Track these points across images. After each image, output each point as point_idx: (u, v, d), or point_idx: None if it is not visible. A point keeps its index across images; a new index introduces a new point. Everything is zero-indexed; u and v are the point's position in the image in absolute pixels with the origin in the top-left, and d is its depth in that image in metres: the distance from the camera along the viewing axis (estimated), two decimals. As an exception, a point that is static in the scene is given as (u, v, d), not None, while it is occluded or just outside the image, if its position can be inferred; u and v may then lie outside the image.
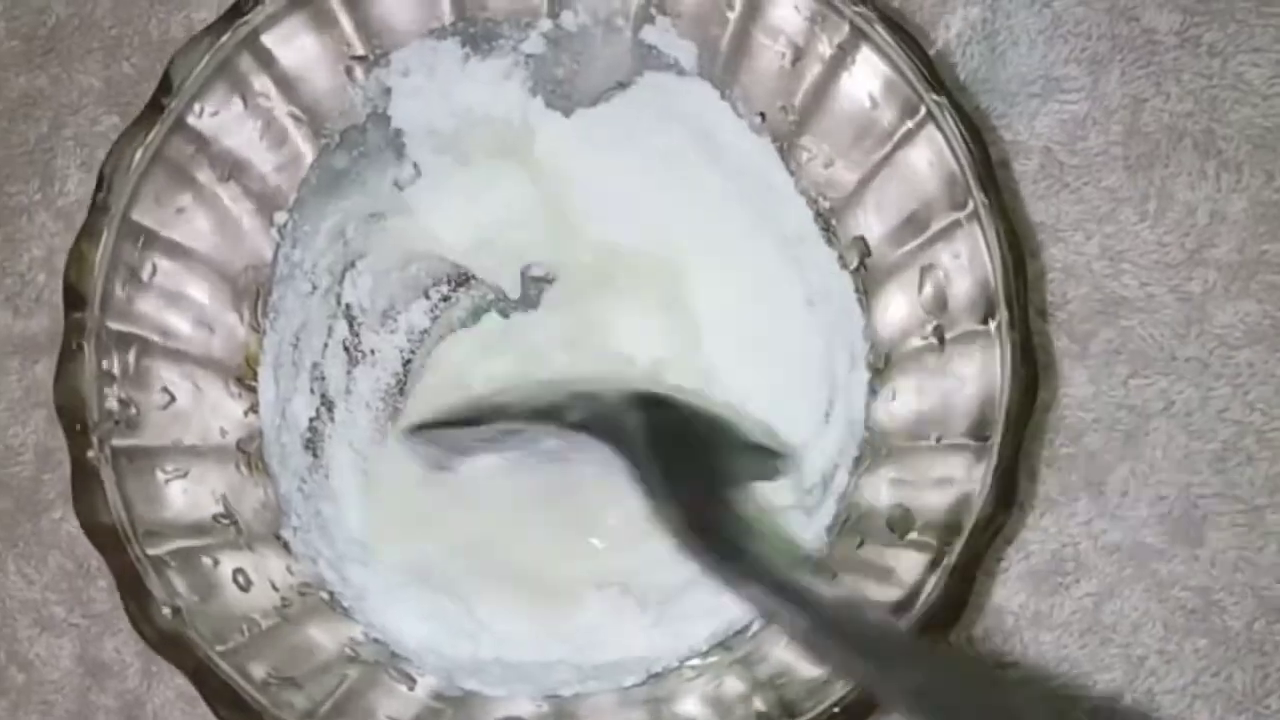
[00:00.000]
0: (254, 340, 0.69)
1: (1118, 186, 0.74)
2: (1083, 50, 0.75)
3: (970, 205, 0.62)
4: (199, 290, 0.67)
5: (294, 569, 0.67)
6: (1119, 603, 0.71)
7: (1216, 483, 0.72)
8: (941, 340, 0.64)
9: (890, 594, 0.62)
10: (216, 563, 0.64)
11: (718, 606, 0.67)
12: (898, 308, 0.67)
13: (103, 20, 0.79)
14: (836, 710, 0.59)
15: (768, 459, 0.69)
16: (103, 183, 0.63)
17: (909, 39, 0.63)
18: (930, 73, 0.63)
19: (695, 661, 0.67)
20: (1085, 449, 0.72)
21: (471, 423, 0.70)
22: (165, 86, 0.64)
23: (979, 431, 0.61)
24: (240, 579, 0.64)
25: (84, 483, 0.61)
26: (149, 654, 0.69)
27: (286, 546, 0.68)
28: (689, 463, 0.64)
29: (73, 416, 0.61)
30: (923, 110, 0.63)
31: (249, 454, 0.68)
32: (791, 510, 0.69)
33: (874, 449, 0.68)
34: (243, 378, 0.68)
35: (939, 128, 0.63)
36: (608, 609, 0.69)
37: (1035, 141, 0.75)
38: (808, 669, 0.62)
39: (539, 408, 0.67)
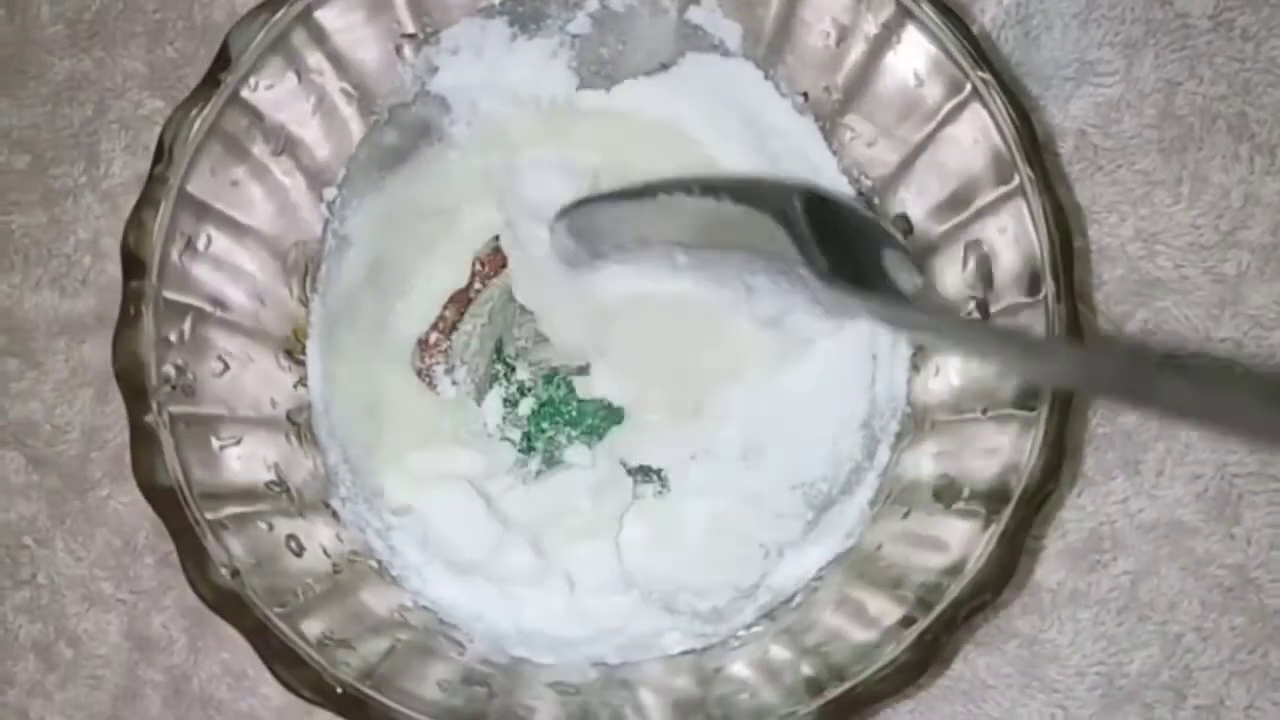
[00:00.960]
0: (302, 314, 0.70)
1: (1152, 169, 0.75)
2: (1116, 34, 0.75)
3: (1016, 180, 0.63)
4: (251, 262, 0.68)
5: (343, 537, 0.68)
6: (1156, 580, 0.72)
7: (1252, 462, 0.72)
8: (986, 314, 0.65)
9: (939, 560, 0.63)
10: (271, 527, 0.65)
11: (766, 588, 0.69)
12: (941, 284, 0.68)
13: (146, 4, 0.79)
14: (888, 671, 0.60)
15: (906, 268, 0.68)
16: (162, 153, 0.64)
17: (954, 17, 0.64)
18: (976, 50, 0.64)
19: (741, 633, 0.68)
20: (1121, 429, 0.73)
21: (632, 197, 0.69)
22: (223, 60, 0.65)
23: (1025, 402, 0.62)
24: (293, 544, 0.66)
25: (143, 446, 0.62)
26: (196, 629, 0.73)
27: (335, 515, 0.69)
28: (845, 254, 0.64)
29: (132, 381, 0.62)
30: (968, 87, 0.64)
31: (299, 425, 0.69)
32: None
33: (916, 424, 0.69)
34: (291, 350, 0.70)
35: (984, 104, 0.64)
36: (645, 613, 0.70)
37: (1070, 124, 0.75)
38: (856, 634, 0.64)
39: (704, 182, 0.67)
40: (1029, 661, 0.72)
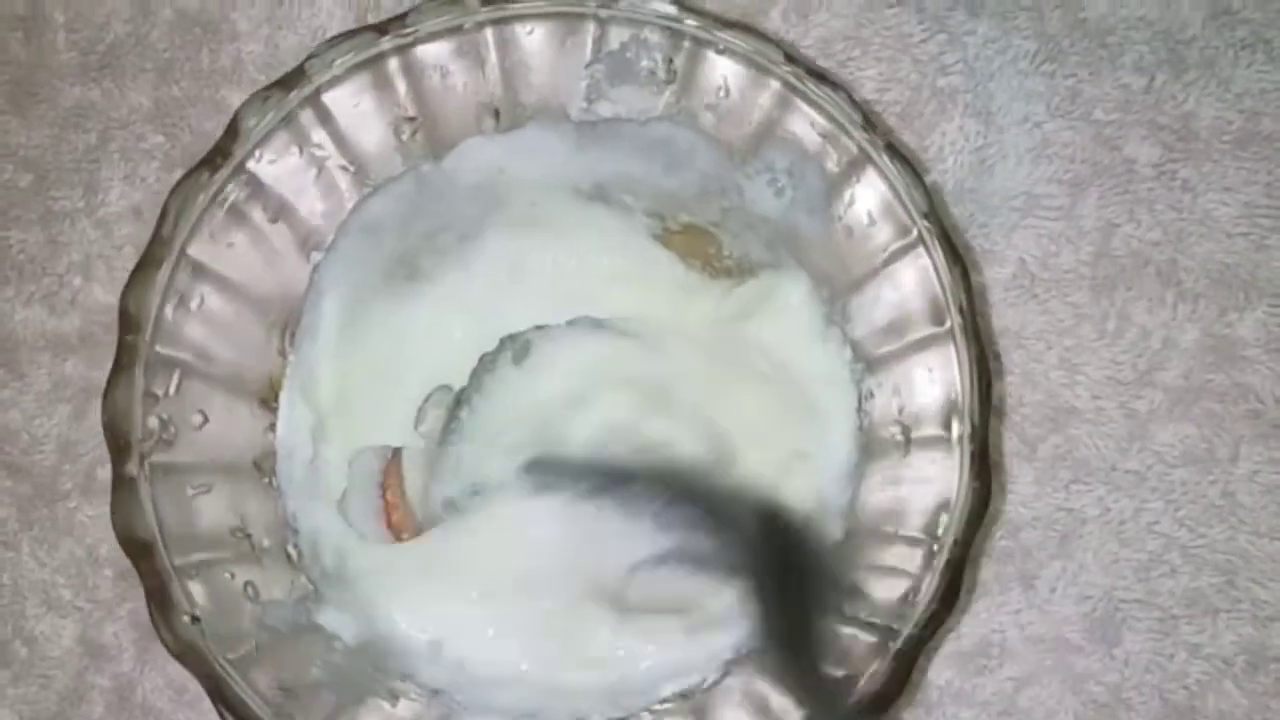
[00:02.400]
0: (279, 364, 0.73)
1: (1082, 304, 0.78)
2: (1065, 172, 0.79)
3: (947, 324, 0.67)
4: (238, 318, 0.70)
5: (297, 583, 0.71)
6: (1037, 690, 0.76)
7: (1139, 590, 0.76)
8: (908, 440, 0.69)
9: (840, 670, 0.66)
10: (232, 575, 0.68)
11: (683, 668, 0.72)
12: (872, 406, 0.71)
13: (158, 43, 0.82)
14: None
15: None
16: (166, 217, 0.67)
17: (909, 166, 0.67)
18: (926, 199, 0.67)
19: (655, 707, 0.71)
20: (1022, 544, 0.76)
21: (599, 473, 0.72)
22: (232, 133, 0.68)
23: (932, 530, 0.66)
24: (250, 591, 0.68)
25: (123, 496, 0.65)
26: (145, 641, 0.76)
27: (290, 560, 0.72)
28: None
29: (118, 433, 0.65)
30: (914, 233, 0.67)
31: (263, 470, 0.72)
32: None
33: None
34: (265, 400, 0.72)
35: (927, 251, 0.67)
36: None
37: (1011, 252, 0.78)
38: None
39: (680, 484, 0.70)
40: (913, 754, 0.75)
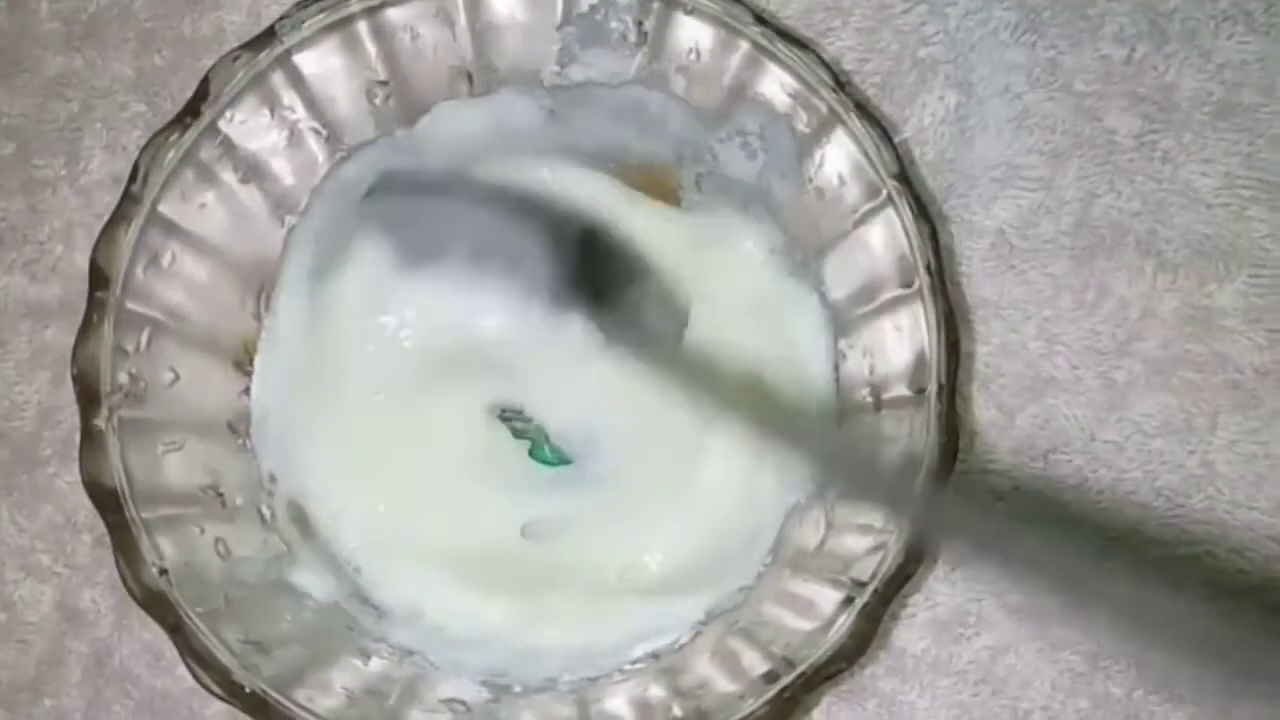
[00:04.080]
0: (254, 328, 0.73)
1: (1061, 274, 0.77)
2: (1046, 143, 0.77)
3: (916, 284, 0.67)
4: (211, 279, 0.70)
5: (270, 542, 0.72)
6: (1013, 658, 0.75)
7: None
8: (878, 401, 0.69)
9: (807, 624, 0.66)
10: (202, 531, 0.68)
11: (655, 630, 0.72)
12: (845, 367, 0.72)
13: (140, 13, 0.81)
14: None
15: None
16: (137, 175, 0.67)
17: (879, 127, 0.67)
18: (895, 159, 0.67)
19: (626, 667, 0.71)
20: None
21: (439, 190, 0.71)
22: (202, 93, 0.68)
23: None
24: (221, 548, 0.69)
25: (91, 447, 0.65)
26: (122, 607, 0.76)
27: (263, 521, 0.72)
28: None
29: (87, 386, 0.66)
30: (883, 194, 0.68)
31: (238, 433, 0.72)
32: None
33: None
34: (240, 363, 0.72)
35: (896, 211, 0.67)
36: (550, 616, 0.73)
37: (990, 222, 0.77)
38: (724, 683, 0.67)
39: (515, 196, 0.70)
40: (885, 721, 0.75)
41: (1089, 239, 0.77)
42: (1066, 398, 0.76)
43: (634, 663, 0.71)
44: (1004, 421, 0.76)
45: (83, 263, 0.68)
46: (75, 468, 0.66)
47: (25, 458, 0.79)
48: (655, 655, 0.71)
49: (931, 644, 0.76)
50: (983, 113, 0.78)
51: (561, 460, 0.73)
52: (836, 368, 0.72)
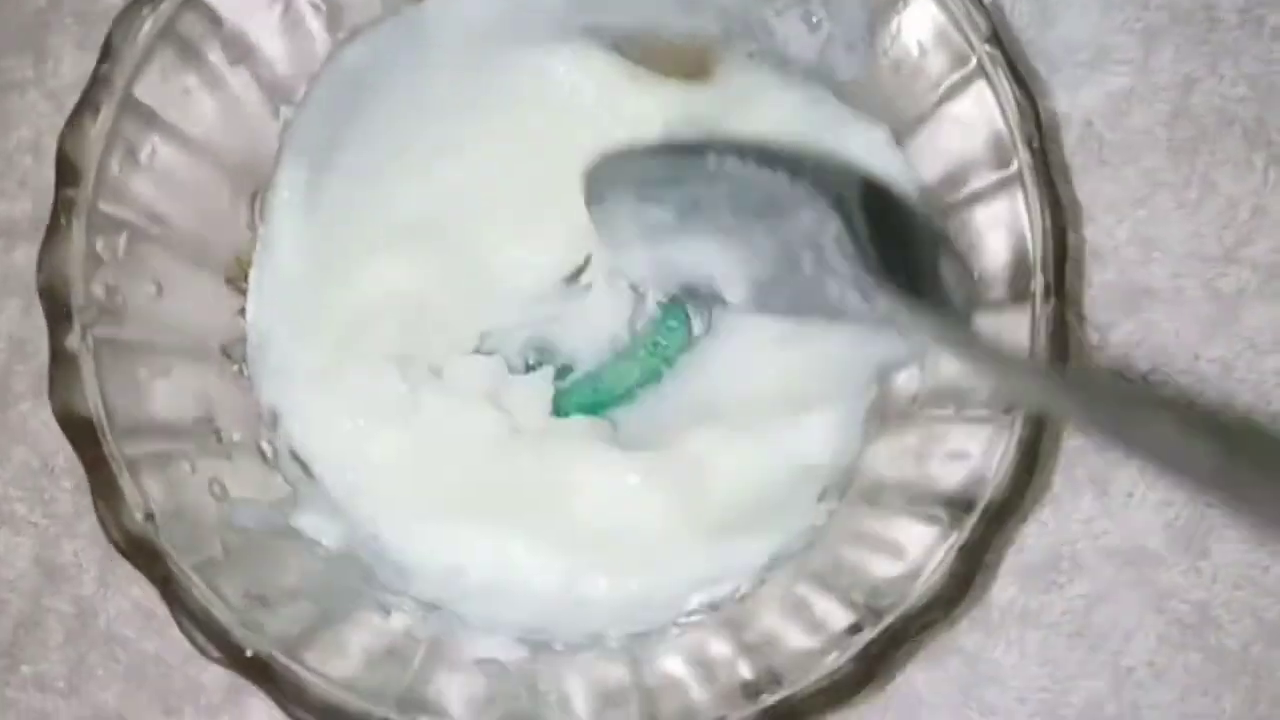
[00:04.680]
0: (248, 239, 0.68)
1: (1158, 169, 0.73)
2: (1138, 20, 0.74)
3: (1014, 166, 0.61)
4: (198, 179, 0.66)
5: (272, 483, 0.66)
6: (1112, 608, 0.70)
7: None
8: (972, 306, 0.64)
9: (894, 568, 0.61)
10: (194, 469, 0.63)
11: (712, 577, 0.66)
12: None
13: None
14: (828, 682, 0.58)
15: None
16: (108, 52, 0.62)
17: None
18: (987, 23, 0.62)
19: (681, 620, 0.66)
20: (1094, 445, 0.71)
21: (678, 154, 0.66)
22: None
23: (1000, 405, 0.60)
24: (216, 489, 0.64)
25: (62, 371, 0.60)
26: (108, 561, 0.72)
27: (265, 458, 0.67)
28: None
29: (56, 299, 0.60)
30: (973, 62, 0.62)
31: (234, 359, 0.67)
32: None
33: (882, 417, 0.67)
34: (234, 279, 0.67)
35: (990, 82, 0.62)
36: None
37: (1076, 113, 0.73)
38: (799, 638, 0.61)
39: (761, 149, 0.64)
40: (970, 680, 0.70)
41: (1189, 129, 0.73)
42: (1167, 310, 0.72)
43: (690, 614, 0.66)
44: (1096, 339, 0.72)
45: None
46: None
47: (-6, 395, 0.75)
48: (715, 606, 0.66)
49: (1019, 593, 0.70)
50: (1067, -14, 0.73)
51: (588, 411, 0.71)
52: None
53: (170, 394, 0.63)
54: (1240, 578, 0.70)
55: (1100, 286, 0.72)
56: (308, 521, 0.66)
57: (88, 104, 0.61)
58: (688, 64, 0.69)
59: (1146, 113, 0.73)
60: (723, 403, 0.69)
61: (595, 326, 0.70)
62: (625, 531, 0.68)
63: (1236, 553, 0.70)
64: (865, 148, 0.67)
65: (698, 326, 0.70)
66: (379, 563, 0.67)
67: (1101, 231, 0.72)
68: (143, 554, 0.59)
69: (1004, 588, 0.70)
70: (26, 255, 0.72)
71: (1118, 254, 0.72)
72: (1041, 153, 0.61)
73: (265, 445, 0.67)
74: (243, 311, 0.68)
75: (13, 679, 0.73)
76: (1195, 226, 0.72)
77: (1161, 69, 0.73)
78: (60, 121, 0.69)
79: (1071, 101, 0.73)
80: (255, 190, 0.68)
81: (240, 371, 0.68)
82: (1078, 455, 0.71)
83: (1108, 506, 0.71)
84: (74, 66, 0.76)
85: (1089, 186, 0.73)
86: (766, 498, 0.67)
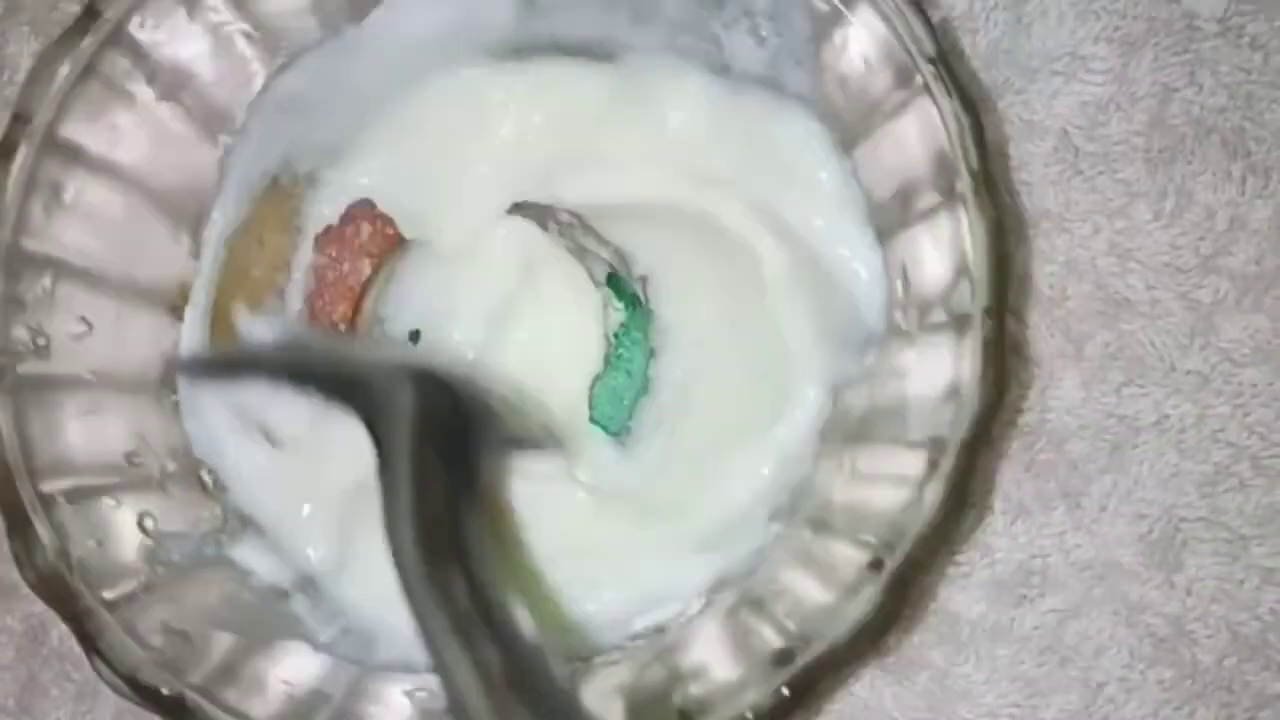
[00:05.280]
0: (191, 268, 0.66)
1: (1135, 180, 0.71)
2: (1115, 29, 0.72)
3: (958, 185, 0.60)
4: (129, 214, 0.64)
5: (211, 514, 0.66)
6: (1084, 623, 0.69)
7: (1203, 507, 0.70)
8: (918, 326, 0.63)
9: (824, 595, 0.59)
10: (119, 503, 0.62)
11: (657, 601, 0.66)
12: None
13: None
14: (749, 715, 0.57)
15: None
16: (27, 94, 0.60)
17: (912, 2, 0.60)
18: (931, 38, 0.60)
19: (626, 644, 0.65)
20: (1067, 456, 0.70)
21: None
22: None
23: (937, 429, 0.59)
24: (148, 522, 0.63)
25: None
26: None
27: (205, 488, 0.66)
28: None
29: None
30: (917, 80, 0.61)
31: (173, 389, 0.66)
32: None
33: (834, 434, 0.65)
34: (177, 307, 0.66)
35: (933, 101, 0.60)
36: None
37: (1052, 122, 0.72)
38: (727, 668, 0.61)
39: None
40: (939, 697, 0.69)
41: (1167, 139, 0.72)
42: (1143, 322, 0.71)
43: (634, 639, 0.65)
44: (1071, 351, 0.71)
45: (14, 185, 0.64)
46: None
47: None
48: (660, 629, 0.65)
49: (989, 608, 0.70)
50: (1042, -7, 0.73)
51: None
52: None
53: (97, 430, 0.62)
54: (1215, 591, 0.69)
55: (1076, 299, 0.71)
56: (242, 553, 0.65)
57: (6, 146, 0.60)
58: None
59: (1123, 123, 0.72)
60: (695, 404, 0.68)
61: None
62: (581, 553, 0.67)
63: (1211, 566, 0.69)
64: (799, 140, 0.66)
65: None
66: (314, 601, 0.66)
67: (1077, 243, 0.71)
68: (54, 592, 0.59)
69: (974, 602, 0.70)
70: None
71: (1094, 265, 0.71)
72: (984, 174, 0.59)
73: (205, 474, 0.66)
74: (180, 343, 0.67)
75: (-40, 698, 0.73)
76: (1172, 238, 0.71)
77: (1139, 78, 0.72)
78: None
79: (1048, 111, 0.72)
80: (197, 218, 0.66)
81: (178, 403, 0.66)
82: (1048, 468, 0.70)
83: (1080, 520, 0.70)
84: (31, 75, 0.76)
85: (1064, 197, 0.71)
86: (730, 517, 0.66)
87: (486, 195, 0.68)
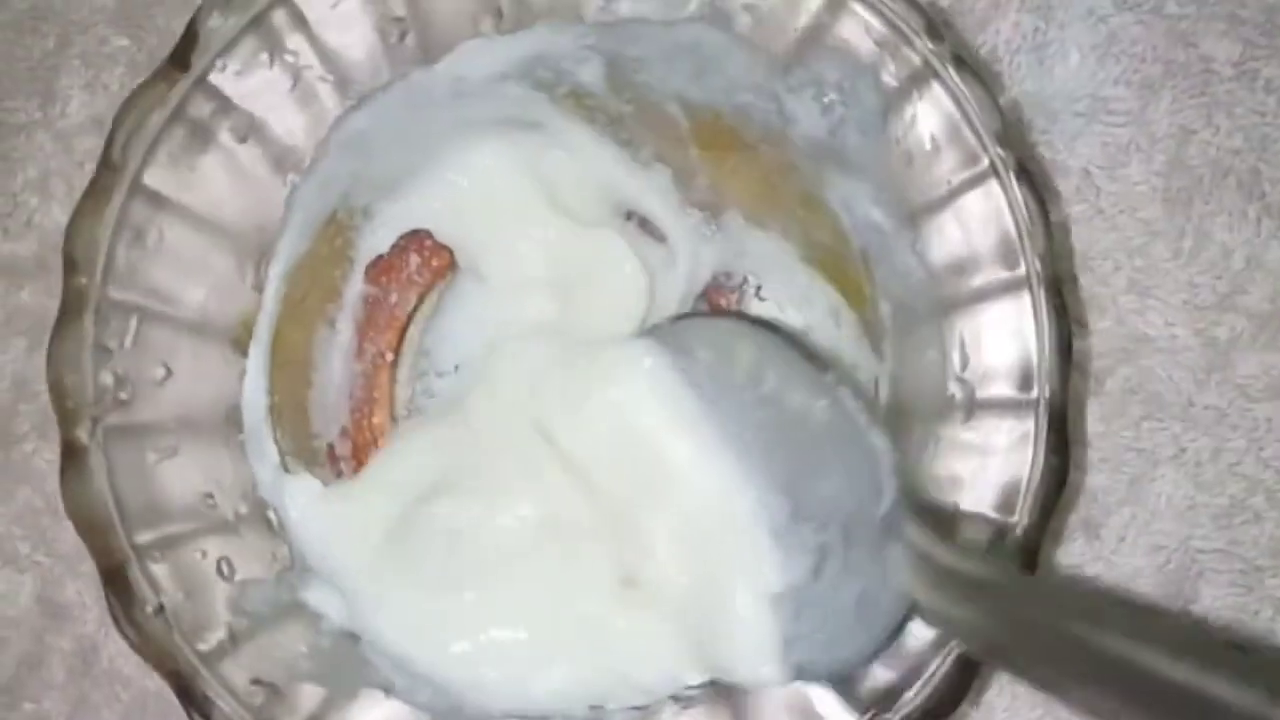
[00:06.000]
0: (254, 301, 0.66)
1: (1154, 219, 0.72)
2: (1135, 72, 0.73)
3: (1022, 269, 0.60)
4: (205, 254, 0.64)
5: (279, 554, 0.65)
6: None
7: (1219, 539, 0.71)
8: (972, 401, 0.62)
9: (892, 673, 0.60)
10: (204, 554, 0.62)
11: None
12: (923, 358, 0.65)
13: None
14: None
15: None
16: (114, 141, 0.60)
17: (980, 82, 0.61)
18: (999, 121, 0.60)
19: (683, 693, 0.64)
20: (1087, 488, 0.71)
21: None
22: (189, 40, 0.61)
23: (1004, 507, 0.60)
24: (224, 568, 0.62)
25: (74, 467, 0.59)
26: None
27: (271, 527, 0.66)
28: None
29: (64, 395, 0.59)
30: (984, 162, 0.61)
31: (239, 426, 0.66)
32: None
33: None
34: (240, 340, 0.66)
35: (1001, 184, 0.61)
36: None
37: (1074, 162, 0.73)
38: None
39: None
40: (965, 726, 0.70)
41: (1185, 180, 0.73)
42: (1162, 358, 0.72)
43: (690, 689, 0.64)
44: (1093, 386, 0.72)
45: (60, 216, 0.65)
46: (57, 443, 0.60)
47: (0, 434, 0.74)
48: (715, 681, 0.63)
49: None
50: (1064, 39, 0.74)
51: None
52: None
53: (178, 473, 0.62)
54: (1233, 619, 0.71)
55: (1097, 334, 0.72)
56: (314, 594, 0.64)
57: (96, 193, 0.60)
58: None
59: (1143, 164, 0.73)
60: None
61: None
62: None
63: (1227, 597, 0.71)
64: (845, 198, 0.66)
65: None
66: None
67: (1098, 280, 0.72)
68: (155, 650, 0.58)
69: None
70: (32, 295, 0.74)
71: (1114, 302, 0.72)
72: (1050, 261, 0.60)
73: (271, 514, 0.65)
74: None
75: (14, 717, 0.73)
76: (1190, 276, 0.72)
77: (1158, 120, 0.73)
78: (68, 162, 0.73)
79: (1070, 152, 0.73)
80: (261, 253, 0.66)
81: (244, 440, 0.66)
82: (1068, 499, 0.71)
83: (1099, 551, 0.71)
84: (81, 108, 0.75)
85: (1086, 236, 0.72)
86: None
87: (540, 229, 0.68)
